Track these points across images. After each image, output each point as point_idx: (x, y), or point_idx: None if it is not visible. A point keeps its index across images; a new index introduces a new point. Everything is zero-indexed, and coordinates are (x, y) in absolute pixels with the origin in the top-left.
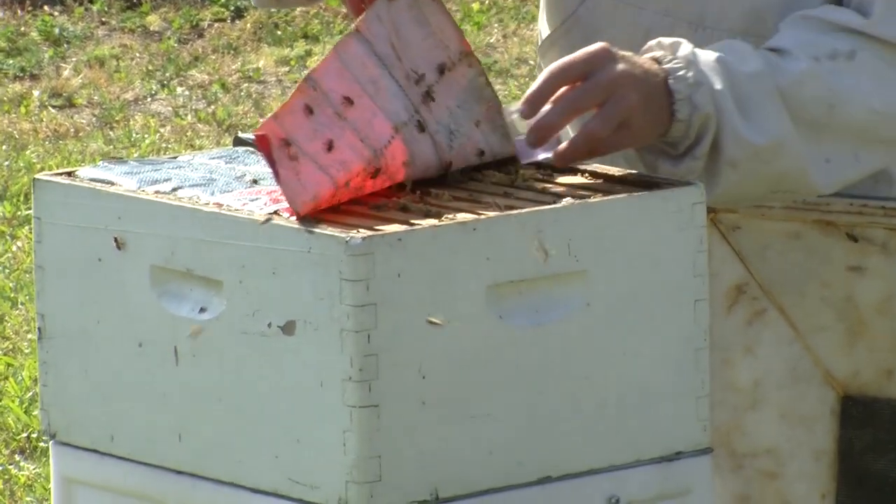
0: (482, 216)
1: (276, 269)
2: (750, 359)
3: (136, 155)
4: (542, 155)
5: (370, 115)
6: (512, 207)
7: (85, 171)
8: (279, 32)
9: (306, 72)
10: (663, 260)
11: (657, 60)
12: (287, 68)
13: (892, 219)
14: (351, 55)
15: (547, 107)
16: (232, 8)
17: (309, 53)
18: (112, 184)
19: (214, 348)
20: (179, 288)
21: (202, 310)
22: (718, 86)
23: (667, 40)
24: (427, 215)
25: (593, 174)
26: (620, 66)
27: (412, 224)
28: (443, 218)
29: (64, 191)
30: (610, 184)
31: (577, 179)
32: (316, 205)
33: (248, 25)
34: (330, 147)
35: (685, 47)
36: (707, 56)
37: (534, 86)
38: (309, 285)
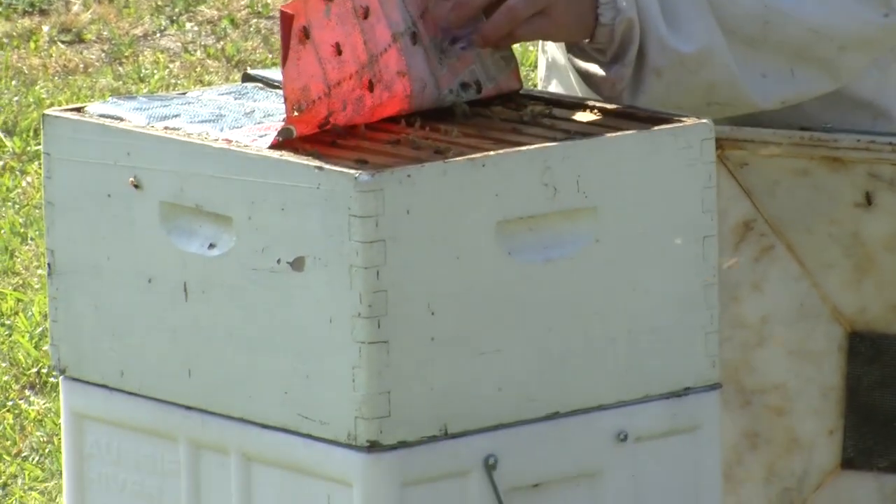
0: (491, 152)
1: (286, 205)
2: (757, 295)
3: (145, 91)
4: (461, 45)
5: (375, 20)
6: (520, 143)
7: (94, 107)
8: None
9: None
10: (672, 196)
11: None
12: None
13: None
14: None
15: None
16: None
17: None
18: (121, 119)
19: (224, 284)
20: (189, 224)
21: (211, 246)
22: None
23: None
24: (436, 151)
25: (602, 110)
26: None
27: (421, 160)
28: (451, 154)
29: (73, 126)
30: (619, 120)
31: (586, 116)
32: (305, 97)
33: None
34: (335, 45)
35: None
36: None
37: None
38: (318, 221)
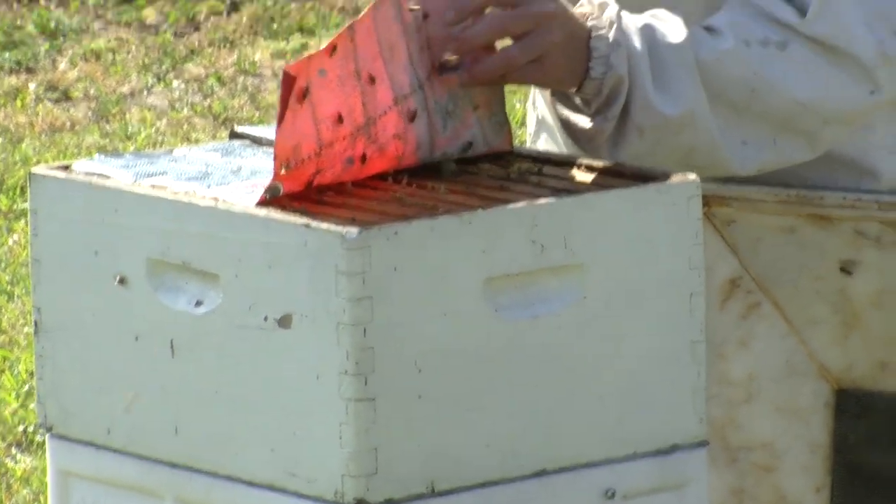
0: (478, 209)
1: (273, 262)
2: (744, 352)
3: (132, 148)
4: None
5: (378, 81)
6: (508, 200)
7: (81, 165)
8: (275, 26)
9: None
10: (659, 253)
11: (584, 16)
12: (283, 62)
13: (887, 213)
14: (382, 14)
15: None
16: (228, 1)
17: (305, 47)
18: (108, 177)
19: (211, 341)
20: (176, 281)
21: (198, 303)
22: (637, 50)
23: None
24: (423, 208)
25: (589, 167)
26: (554, 4)
27: (408, 217)
28: (439, 211)
29: (60, 184)
30: (605, 177)
31: (574, 173)
32: (296, 155)
33: (244, 19)
34: (333, 102)
35: (612, 8)
36: (633, 20)
37: None
38: (305, 279)
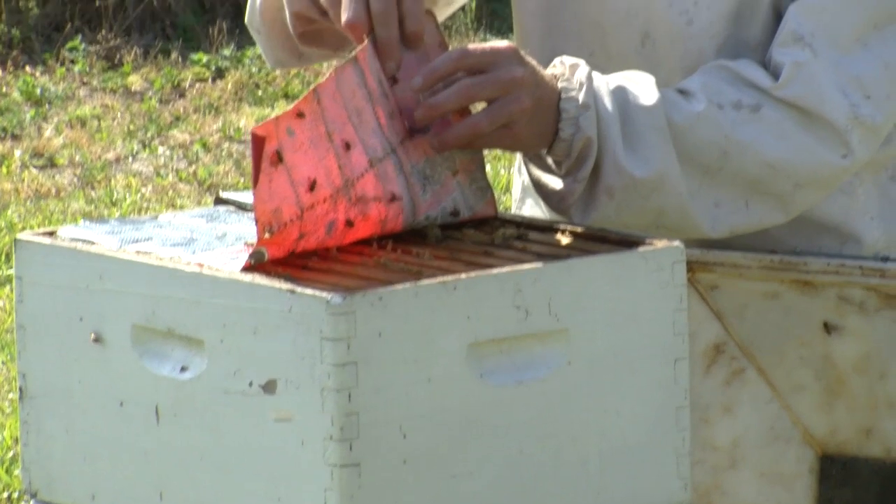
0: (462, 275)
1: (258, 328)
2: (729, 418)
3: (117, 214)
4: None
5: (352, 145)
6: (492, 266)
7: (66, 231)
8: (260, 92)
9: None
10: (644, 318)
11: (556, 77)
12: None
13: (870, 278)
14: (346, 80)
15: (443, 89)
16: (213, 68)
17: None
18: (93, 243)
19: (196, 407)
20: (161, 347)
21: (183, 369)
22: (607, 112)
23: (569, 60)
24: (408, 274)
25: (573, 233)
26: (522, 69)
27: (393, 283)
28: (423, 276)
29: (45, 251)
30: (590, 242)
31: (558, 238)
32: (277, 219)
33: (229, 85)
34: (309, 165)
35: (583, 70)
36: (604, 81)
37: (434, 62)
38: (290, 344)
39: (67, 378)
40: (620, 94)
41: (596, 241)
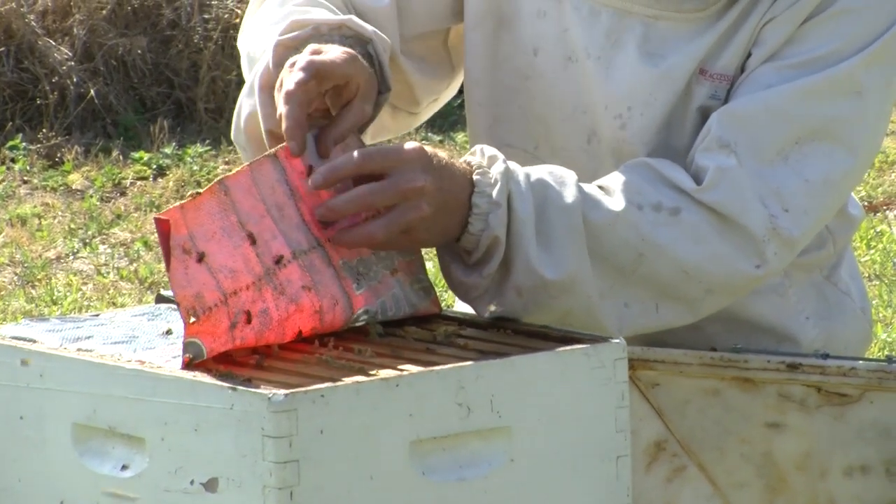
0: (405, 372)
1: (199, 425)
2: None
3: (58, 313)
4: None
5: (270, 237)
6: (434, 363)
7: (6, 329)
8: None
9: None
10: (585, 415)
11: (470, 166)
12: None
13: (810, 375)
14: (264, 176)
15: (342, 196)
16: (154, 166)
17: None
18: (34, 341)
19: None
20: (101, 445)
21: (124, 467)
22: (522, 211)
23: (489, 150)
24: (350, 371)
25: (515, 330)
26: (424, 176)
27: (334, 380)
28: (365, 374)
29: None
30: (532, 339)
31: (499, 336)
32: (200, 303)
33: (171, 183)
34: (224, 253)
35: (500, 164)
36: (524, 177)
37: (337, 160)
38: (231, 442)
39: (7, 477)
40: (540, 189)
41: (537, 337)
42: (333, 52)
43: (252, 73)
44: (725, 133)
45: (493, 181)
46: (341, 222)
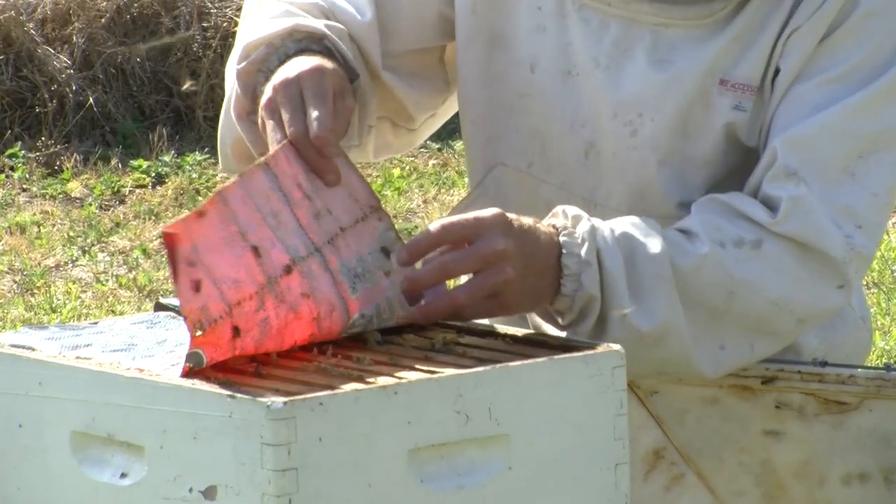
0: (403, 380)
1: (198, 433)
2: None
3: (57, 321)
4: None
5: (269, 245)
6: (432, 371)
7: (5, 337)
8: (200, 198)
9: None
10: (584, 423)
11: (556, 229)
12: None
13: (809, 383)
14: (256, 185)
15: (427, 264)
16: (153, 174)
17: None
18: (33, 349)
19: None
20: (100, 453)
21: (123, 475)
22: (613, 268)
23: (571, 210)
24: (348, 379)
25: (513, 338)
26: (505, 240)
27: (333, 388)
28: (364, 382)
29: None
30: (530, 347)
31: (498, 343)
32: (206, 316)
33: (170, 192)
34: (227, 264)
35: (585, 223)
36: (609, 232)
37: (419, 235)
38: (230, 450)
39: (6, 485)
40: (626, 243)
41: (535, 345)
42: (299, 72)
43: (226, 100)
44: (791, 161)
45: (580, 241)
46: (427, 294)
